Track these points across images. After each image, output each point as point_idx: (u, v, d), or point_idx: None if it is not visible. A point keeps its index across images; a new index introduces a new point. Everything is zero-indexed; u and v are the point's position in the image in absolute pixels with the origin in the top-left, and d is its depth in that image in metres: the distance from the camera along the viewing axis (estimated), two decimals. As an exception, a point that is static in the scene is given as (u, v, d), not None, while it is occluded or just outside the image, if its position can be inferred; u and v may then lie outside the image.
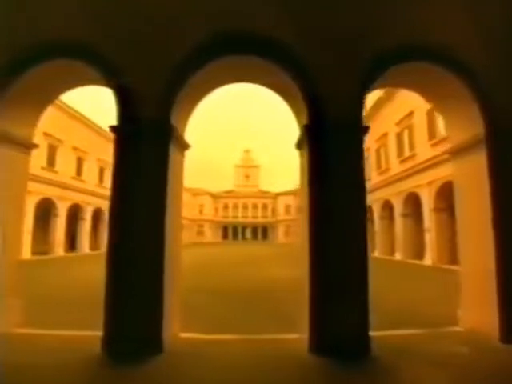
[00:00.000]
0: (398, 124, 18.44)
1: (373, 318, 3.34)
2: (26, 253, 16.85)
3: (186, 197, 41.08)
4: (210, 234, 57.12)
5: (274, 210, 61.41)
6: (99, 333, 3.28)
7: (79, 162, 23.91)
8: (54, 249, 20.63)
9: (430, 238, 14.93)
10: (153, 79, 3.58)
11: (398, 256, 17.87)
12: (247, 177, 66.34)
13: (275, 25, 3.57)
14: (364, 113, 3.86)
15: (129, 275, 3.31)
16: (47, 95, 4.47)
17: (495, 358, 3.22)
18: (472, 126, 4.02)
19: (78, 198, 23.30)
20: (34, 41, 3.67)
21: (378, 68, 3.67)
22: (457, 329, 4.09)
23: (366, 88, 3.67)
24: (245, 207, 62.83)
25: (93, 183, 25.62)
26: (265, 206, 62.80)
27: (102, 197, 26.31)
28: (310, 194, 3.50)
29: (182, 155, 4.08)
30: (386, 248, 19.88)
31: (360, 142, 3.59)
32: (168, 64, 3.57)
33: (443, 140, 13.57)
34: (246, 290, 8.29)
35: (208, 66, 3.63)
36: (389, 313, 4.83)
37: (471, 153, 4.11)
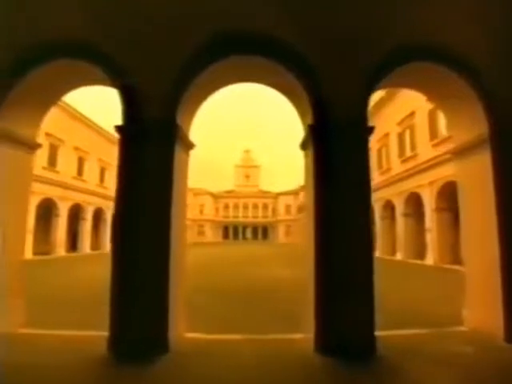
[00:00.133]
0: (399, 124, 18.44)
1: (376, 317, 3.34)
2: (28, 253, 16.84)
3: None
4: (211, 234, 57.15)
5: (274, 210, 61.44)
6: (103, 333, 3.29)
7: (80, 162, 23.92)
8: (56, 249, 20.65)
9: (431, 237, 14.93)
10: (158, 79, 3.58)
11: (399, 256, 17.87)
12: (247, 177, 66.37)
13: (279, 25, 3.57)
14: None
15: (134, 275, 3.31)
16: (51, 95, 4.47)
17: (500, 358, 3.22)
18: (476, 125, 4.02)
19: (79, 197, 23.32)
20: (36, 41, 3.67)
21: (383, 68, 3.67)
22: (461, 328, 4.09)
23: (371, 88, 3.67)
24: (245, 207, 62.87)
25: (94, 183, 25.65)
26: (265, 206, 62.82)
27: (102, 197, 26.39)
28: (315, 194, 3.51)
29: (187, 155, 4.09)
30: (387, 248, 19.88)
31: (365, 142, 3.60)
32: (173, 64, 3.57)
33: (445, 140, 13.58)
34: (248, 289, 8.30)
35: (213, 66, 3.64)
36: (392, 313, 4.83)
37: (475, 153, 4.10)
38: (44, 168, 19.21)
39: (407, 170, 17.30)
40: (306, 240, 3.82)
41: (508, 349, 3.41)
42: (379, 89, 4.15)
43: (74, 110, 22.27)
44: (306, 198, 4.00)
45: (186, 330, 3.80)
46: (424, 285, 9.20)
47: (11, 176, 4.05)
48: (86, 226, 24.34)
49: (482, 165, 3.94)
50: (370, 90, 3.69)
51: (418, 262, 15.63)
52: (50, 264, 15.17)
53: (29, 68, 3.76)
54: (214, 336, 3.82)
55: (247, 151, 68.88)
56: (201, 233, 54.77)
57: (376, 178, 21.40)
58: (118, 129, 3.57)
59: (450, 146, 4.70)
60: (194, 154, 4.24)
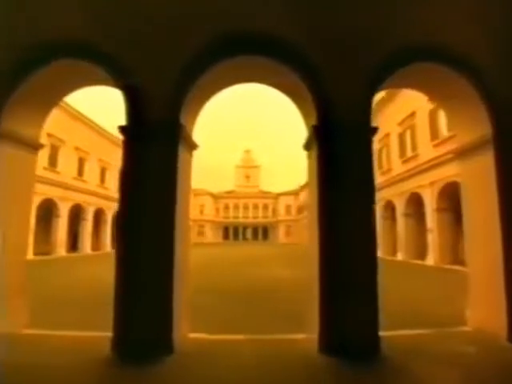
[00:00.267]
0: (400, 124, 18.45)
1: (379, 318, 3.33)
2: (28, 253, 16.82)
3: (187, 197, 40.92)
4: (211, 235, 57.17)
5: (274, 211, 61.48)
6: (106, 333, 3.28)
7: (81, 163, 23.94)
8: (56, 249, 20.67)
9: (432, 238, 14.94)
10: (162, 80, 3.59)
11: (399, 256, 17.88)
12: (248, 177, 66.40)
13: (281, 25, 3.58)
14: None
15: (138, 276, 3.31)
16: (54, 95, 4.47)
17: (503, 358, 3.22)
18: (479, 126, 4.02)
19: (79, 198, 23.34)
20: (36, 41, 3.67)
21: (385, 69, 3.68)
22: (465, 328, 4.09)
23: (374, 89, 3.68)
24: (245, 207, 62.88)
25: (94, 183, 25.65)
26: (265, 207, 62.83)
27: (103, 197, 26.40)
28: (318, 194, 3.51)
29: (191, 155, 4.09)
30: (387, 248, 19.86)
31: (369, 142, 3.60)
32: (177, 64, 3.57)
33: (446, 140, 13.60)
34: (249, 289, 8.30)
35: (216, 67, 3.63)
36: (393, 313, 4.82)
37: (478, 154, 4.11)
38: (45, 168, 19.21)
39: (408, 171, 17.32)
40: (310, 240, 3.83)
41: (511, 349, 3.41)
42: (382, 89, 4.16)
43: (75, 110, 22.29)
44: (310, 199, 4.00)
45: (189, 331, 3.79)
46: (425, 285, 9.21)
47: (15, 176, 4.06)
48: (87, 227, 24.35)
49: (485, 165, 3.95)
50: (374, 91, 3.69)
51: (419, 262, 15.64)
52: (51, 264, 15.16)
53: (31, 69, 3.76)
54: (217, 336, 3.82)
55: (247, 151, 68.92)
56: (201, 233, 54.78)
57: (377, 178, 21.35)
58: (122, 129, 3.56)
59: (450, 146, 4.72)
60: (194, 154, 4.25)
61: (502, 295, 3.64)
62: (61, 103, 18.97)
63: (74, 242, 23.86)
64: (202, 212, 56.65)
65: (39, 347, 3.45)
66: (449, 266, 13.27)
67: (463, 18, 3.65)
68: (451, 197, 13.99)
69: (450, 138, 12.58)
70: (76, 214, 23.45)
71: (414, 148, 17.12)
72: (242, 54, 3.63)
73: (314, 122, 3.66)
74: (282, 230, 57.69)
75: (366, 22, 3.58)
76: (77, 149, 23.06)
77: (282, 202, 59.26)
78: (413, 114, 16.89)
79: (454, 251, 14.36)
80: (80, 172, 23.82)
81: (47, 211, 20.42)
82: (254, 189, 65.11)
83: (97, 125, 25.61)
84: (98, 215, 26.44)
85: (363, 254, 3.40)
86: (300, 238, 45.87)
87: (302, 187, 49.40)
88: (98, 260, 17.61)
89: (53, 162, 20.38)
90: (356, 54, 3.65)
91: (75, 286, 8.95)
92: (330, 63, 3.62)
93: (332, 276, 3.35)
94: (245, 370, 2.93)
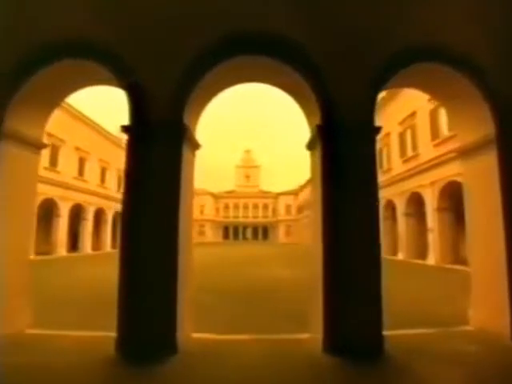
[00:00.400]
0: (400, 124, 18.44)
1: (382, 317, 3.34)
2: (30, 253, 16.84)
3: (187, 197, 41.12)
4: (211, 234, 57.20)
5: (274, 210, 61.50)
6: (110, 333, 3.29)
7: (81, 163, 23.92)
8: (57, 249, 20.64)
9: (432, 237, 14.94)
10: (165, 80, 3.59)
11: (400, 256, 17.88)
12: (248, 177, 66.41)
13: (283, 25, 3.59)
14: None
15: (143, 276, 3.31)
16: (56, 95, 4.47)
17: (506, 357, 3.23)
18: (482, 126, 4.02)
19: (80, 198, 23.31)
20: (38, 42, 3.67)
21: (388, 70, 3.69)
22: (468, 328, 4.10)
23: (377, 89, 3.70)
24: (245, 207, 62.91)
25: (95, 183, 25.64)
26: (265, 206, 62.86)
27: (103, 197, 26.39)
28: (322, 193, 3.51)
29: (194, 155, 4.09)
30: (388, 248, 19.86)
31: (372, 142, 3.62)
32: (180, 64, 3.58)
33: (446, 140, 13.60)
34: (249, 289, 8.30)
35: (220, 66, 3.64)
36: (394, 313, 4.83)
37: (481, 153, 4.11)
38: (45, 168, 19.18)
39: (408, 170, 17.31)
40: (313, 240, 3.83)
41: (514, 348, 3.42)
42: (385, 89, 4.17)
43: (76, 110, 22.28)
44: (313, 198, 4.00)
45: (193, 331, 3.80)
46: (426, 285, 9.20)
47: (18, 176, 4.06)
48: (87, 227, 24.32)
49: (488, 165, 3.95)
50: (377, 91, 3.71)
51: (420, 261, 15.64)
52: (51, 264, 15.14)
53: (34, 69, 3.76)
54: (221, 336, 3.82)
55: (248, 151, 68.92)
56: (201, 233, 54.82)
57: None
58: (126, 129, 3.57)
59: (451, 146, 4.73)
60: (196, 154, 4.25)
61: (505, 295, 3.65)
62: (62, 103, 18.97)
63: (74, 242, 23.84)
64: (202, 212, 56.69)
65: (43, 347, 3.45)
66: (450, 266, 13.27)
67: (463, 18, 3.65)
68: (452, 196, 14.00)
69: (450, 138, 12.57)
70: (76, 213, 23.43)
71: (414, 147, 17.12)
72: (244, 54, 3.64)
73: (317, 121, 3.66)
74: (281, 230, 57.72)
75: (366, 22, 3.59)
76: (77, 149, 23.04)
77: (282, 202, 59.28)
78: (413, 114, 16.89)
79: (455, 251, 14.38)
80: (80, 172, 23.79)
81: (47, 211, 20.41)
82: (254, 189, 65.13)
83: (97, 125, 25.60)
84: (99, 215, 26.43)
85: (367, 254, 3.40)
86: (300, 238, 45.90)
87: (302, 187, 49.43)
88: (98, 260, 17.61)
89: (53, 161, 20.36)
90: (357, 54, 3.66)
91: (76, 285, 8.94)
92: (332, 63, 3.63)
93: (336, 276, 3.36)
94: (249, 369, 2.94)
